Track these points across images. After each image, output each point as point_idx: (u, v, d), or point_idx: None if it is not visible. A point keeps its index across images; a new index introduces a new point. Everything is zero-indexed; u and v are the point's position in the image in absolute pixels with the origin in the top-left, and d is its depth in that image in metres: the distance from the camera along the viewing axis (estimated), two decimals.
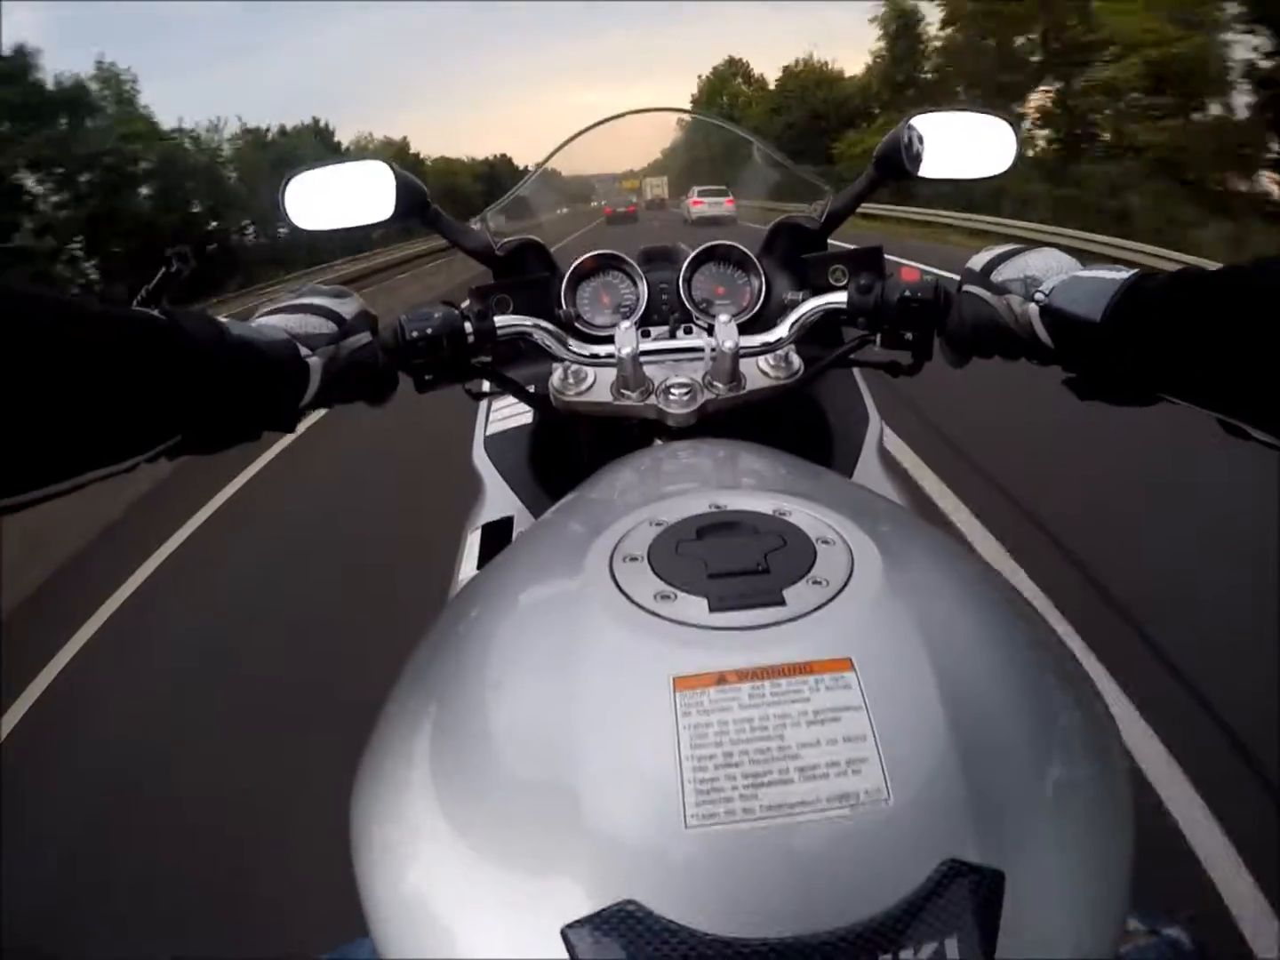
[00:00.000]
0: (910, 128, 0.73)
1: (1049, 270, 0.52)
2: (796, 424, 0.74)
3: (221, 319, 0.47)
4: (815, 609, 0.30)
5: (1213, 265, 0.43)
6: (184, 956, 1.22)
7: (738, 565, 0.33)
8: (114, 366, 0.36)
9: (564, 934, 0.23)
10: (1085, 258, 0.54)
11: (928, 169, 0.74)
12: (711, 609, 0.30)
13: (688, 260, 0.77)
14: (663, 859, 0.24)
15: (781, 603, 0.30)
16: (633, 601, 0.31)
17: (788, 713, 0.26)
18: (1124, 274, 0.46)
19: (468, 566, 0.73)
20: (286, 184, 0.73)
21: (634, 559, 0.34)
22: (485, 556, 0.73)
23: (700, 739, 0.26)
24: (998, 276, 0.55)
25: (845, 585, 0.31)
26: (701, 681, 0.27)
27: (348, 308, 0.57)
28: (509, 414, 0.84)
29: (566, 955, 0.23)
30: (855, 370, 0.84)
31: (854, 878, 0.23)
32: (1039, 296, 0.50)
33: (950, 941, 0.23)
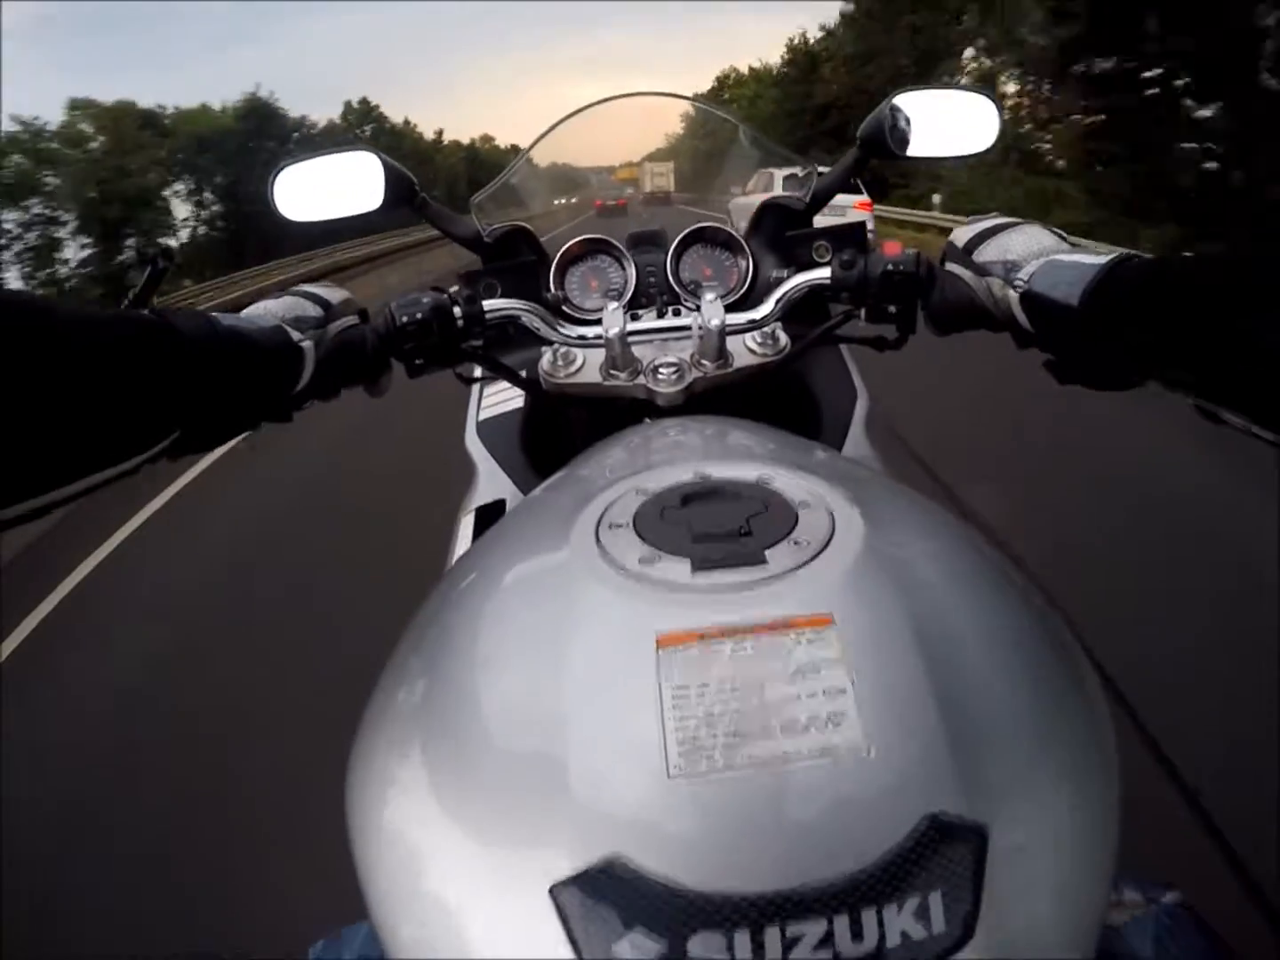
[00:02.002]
0: (894, 107, 0.73)
1: (1030, 252, 0.52)
2: (785, 401, 0.74)
3: (210, 313, 0.47)
4: (796, 568, 0.30)
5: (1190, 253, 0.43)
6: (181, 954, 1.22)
7: (720, 528, 0.33)
8: (110, 368, 0.36)
9: (552, 893, 0.23)
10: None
11: (912, 148, 0.73)
12: (694, 570, 0.31)
13: (675, 243, 0.78)
14: (647, 814, 0.24)
15: (763, 562, 0.31)
16: (617, 566, 0.31)
17: (769, 668, 0.26)
18: (1102, 258, 0.46)
19: (462, 549, 0.73)
20: (275, 176, 0.73)
21: (619, 526, 0.34)
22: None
23: (682, 695, 0.26)
24: (979, 256, 0.55)
25: (826, 545, 0.31)
26: (683, 639, 0.27)
27: (334, 295, 0.58)
28: (501, 399, 0.85)
29: (556, 914, 0.23)
30: (843, 348, 0.84)
31: (836, 832, 0.23)
32: (1018, 283, 0.50)
33: (934, 896, 0.23)
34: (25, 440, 0.32)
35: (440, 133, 50.55)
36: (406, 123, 44.93)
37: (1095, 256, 0.47)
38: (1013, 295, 0.51)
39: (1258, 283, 0.36)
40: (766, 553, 0.31)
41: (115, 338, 0.37)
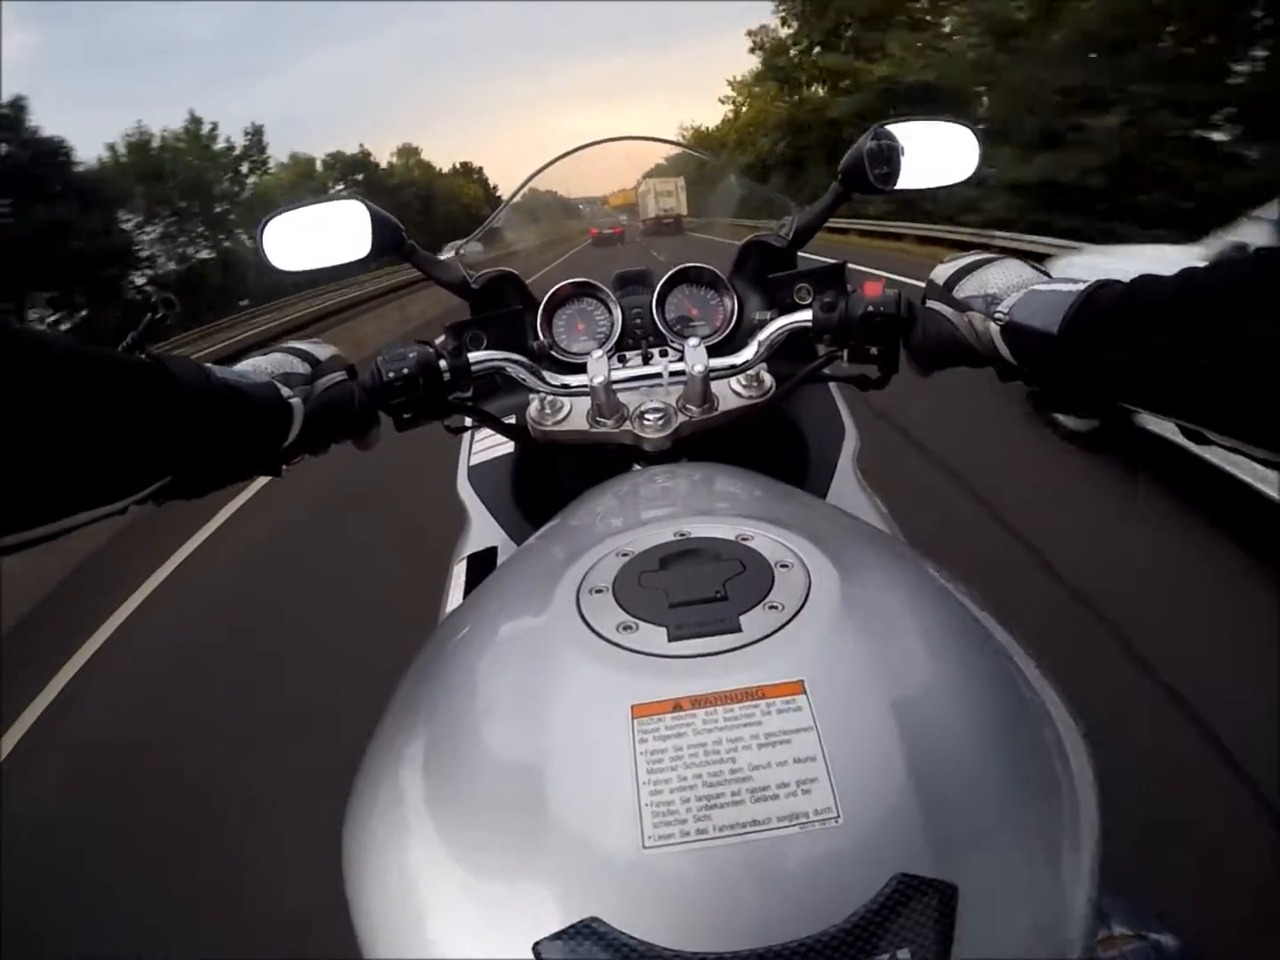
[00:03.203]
0: (875, 138, 0.73)
1: (1009, 285, 0.52)
2: (773, 441, 0.74)
3: (205, 364, 0.48)
4: (769, 634, 0.31)
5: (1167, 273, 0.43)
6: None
7: (697, 594, 0.34)
8: (106, 409, 0.37)
9: (535, 949, 0.24)
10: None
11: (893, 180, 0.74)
12: (670, 638, 0.31)
13: (660, 284, 0.78)
14: (623, 879, 0.25)
15: (737, 629, 0.31)
16: (596, 633, 0.32)
17: (740, 736, 0.27)
18: (1080, 286, 0.46)
19: (454, 598, 0.73)
20: (264, 226, 0.74)
21: (599, 591, 0.35)
22: (471, 587, 0.74)
23: (656, 764, 0.27)
24: (960, 292, 0.55)
25: (800, 609, 0.32)
26: (658, 709, 0.28)
27: (322, 351, 0.59)
28: (492, 443, 0.85)
29: None
30: (831, 384, 0.84)
31: (807, 893, 0.24)
32: (999, 315, 0.51)
33: (903, 953, 0.23)
34: (16, 473, 0.32)
35: (259, 128, 30.35)
36: (194, 125, 26.50)
37: (1073, 285, 0.47)
38: (994, 328, 0.51)
39: (1236, 297, 0.36)
40: (741, 619, 0.32)
41: (115, 378, 0.38)
